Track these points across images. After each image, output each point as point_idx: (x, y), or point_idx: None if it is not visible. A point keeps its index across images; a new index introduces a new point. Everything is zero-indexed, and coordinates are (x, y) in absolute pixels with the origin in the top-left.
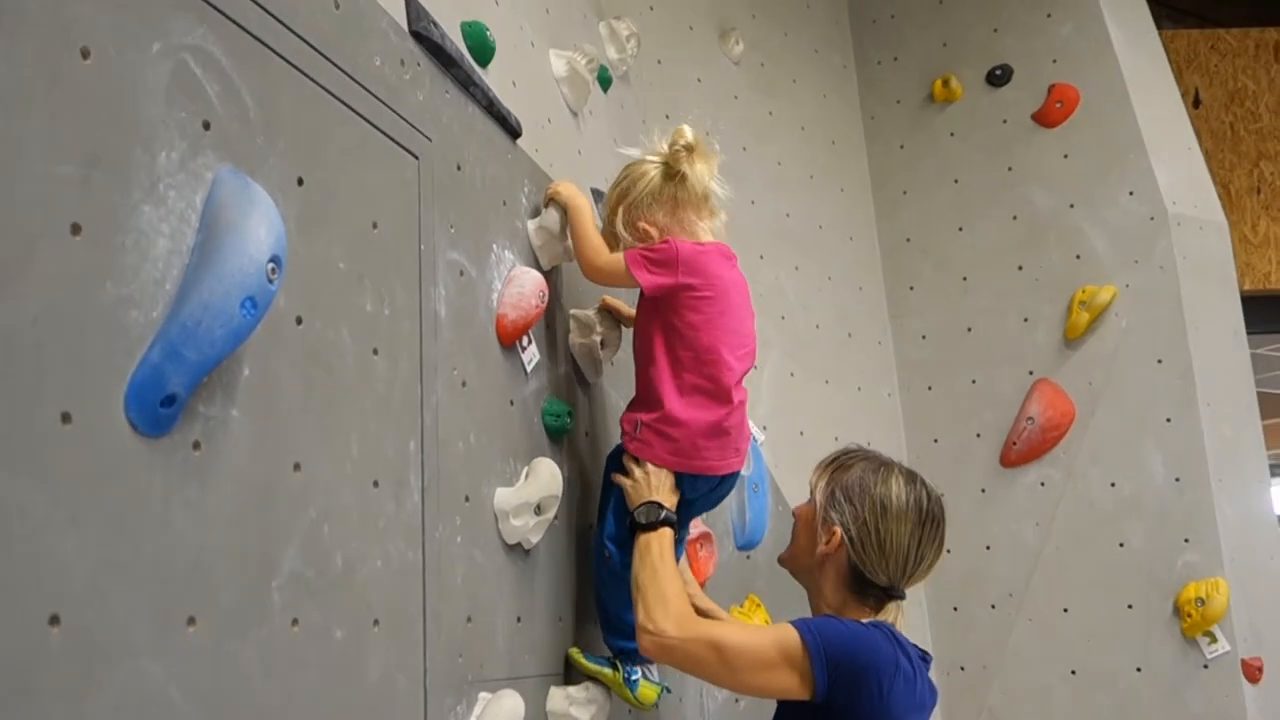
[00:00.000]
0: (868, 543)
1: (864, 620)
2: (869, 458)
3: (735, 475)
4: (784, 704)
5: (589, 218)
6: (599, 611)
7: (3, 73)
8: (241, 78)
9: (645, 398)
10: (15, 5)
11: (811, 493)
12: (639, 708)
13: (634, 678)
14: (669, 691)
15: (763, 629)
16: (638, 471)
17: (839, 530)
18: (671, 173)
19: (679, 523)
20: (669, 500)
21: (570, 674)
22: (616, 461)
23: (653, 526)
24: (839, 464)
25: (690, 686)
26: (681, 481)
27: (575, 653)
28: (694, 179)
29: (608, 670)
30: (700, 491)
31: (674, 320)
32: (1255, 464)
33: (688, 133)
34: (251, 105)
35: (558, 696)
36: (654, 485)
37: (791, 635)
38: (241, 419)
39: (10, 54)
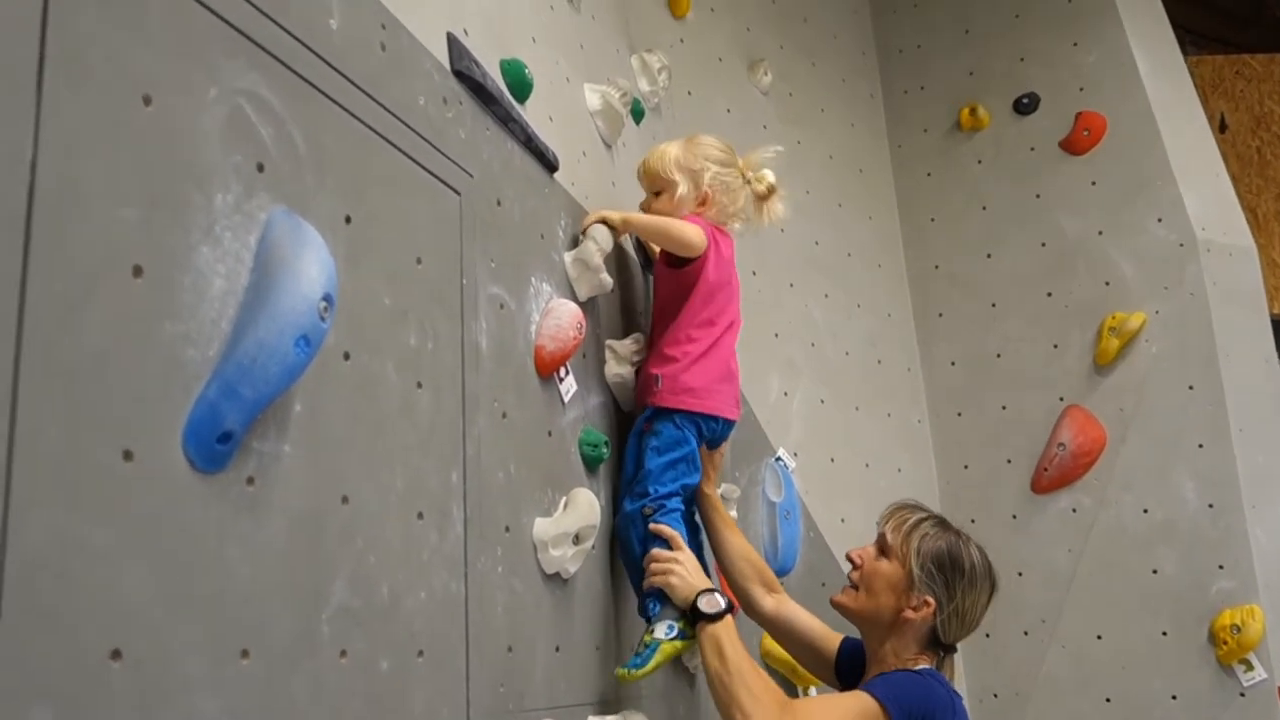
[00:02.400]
0: (955, 615)
1: (920, 668)
2: (943, 525)
3: (733, 425)
4: None
5: (645, 214)
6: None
7: (68, 120)
8: (293, 119)
9: (663, 353)
10: (80, 55)
11: (886, 549)
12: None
13: (673, 630)
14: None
15: (844, 704)
16: (675, 565)
17: (933, 602)
18: (752, 196)
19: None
20: (707, 582)
21: (607, 704)
22: (639, 433)
23: (720, 616)
24: (924, 532)
25: None
26: (701, 425)
27: (623, 672)
28: (769, 216)
29: (665, 645)
30: (717, 434)
31: (697, 284)
32: None
33: (771, 175)
34: (302, 146)
35: None
36: (692, 569)
37: (872, 706)
38: (293, 454)
39: (75, 102)
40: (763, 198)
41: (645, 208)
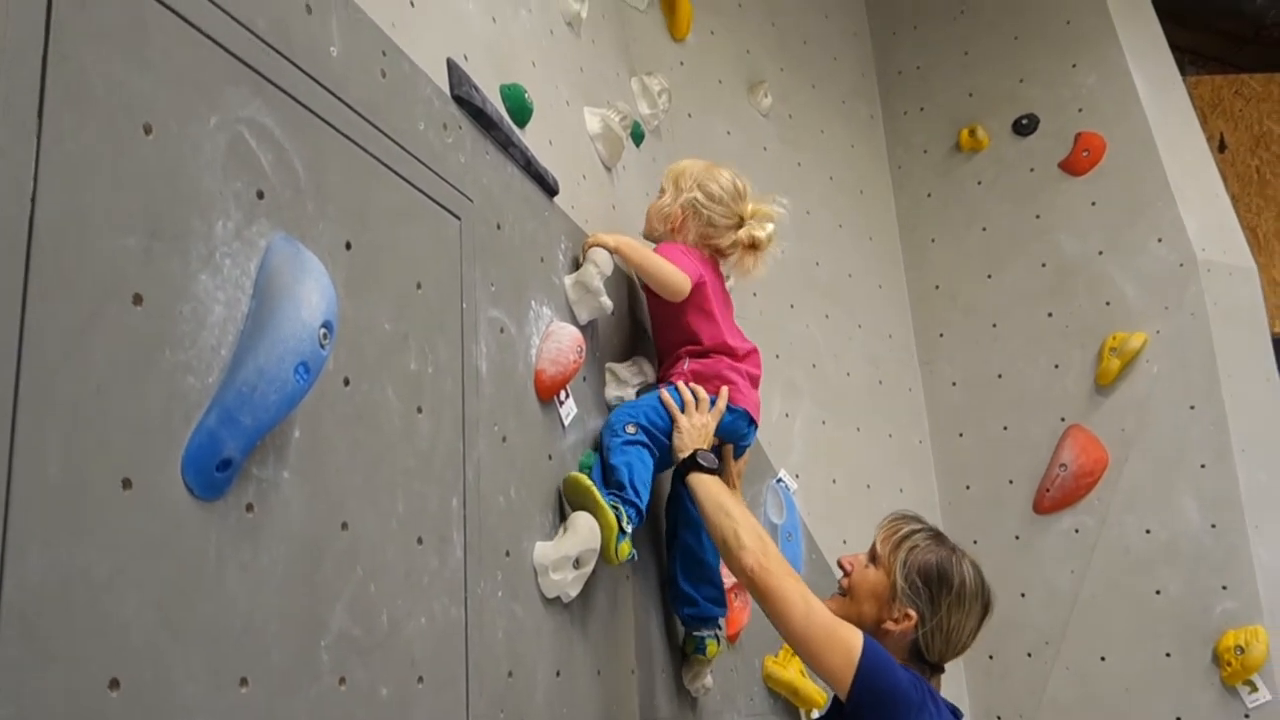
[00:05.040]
0: (938, 631)
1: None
2: (938, 539)
3: (754, 427)
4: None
5: (640, 246)
6: (604, 476)
7: (70, 148)
8: (293, 147)
9: (680, 355)
10: (82, 83)
11: (875, 558)
12: (610, 559)
13: (625, 530)
14: (635, 559)
15: (837, 624)
16: (699, 417)
17: (915, 615)
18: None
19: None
20: (704, 444)
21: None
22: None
23: (712, 471)
24: (915, 544)
25: None
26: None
27: (583, 480)
28: (758, 258)
29: (612, 514)
30: (736, 430)
31: (698, 300)
32: None
33: (769, 229)
34: (302, 173)
35: None
36: (694, 432)
37: (858, 638)
38: (292, 480)
39: (78, 130)
40: (748, 248)
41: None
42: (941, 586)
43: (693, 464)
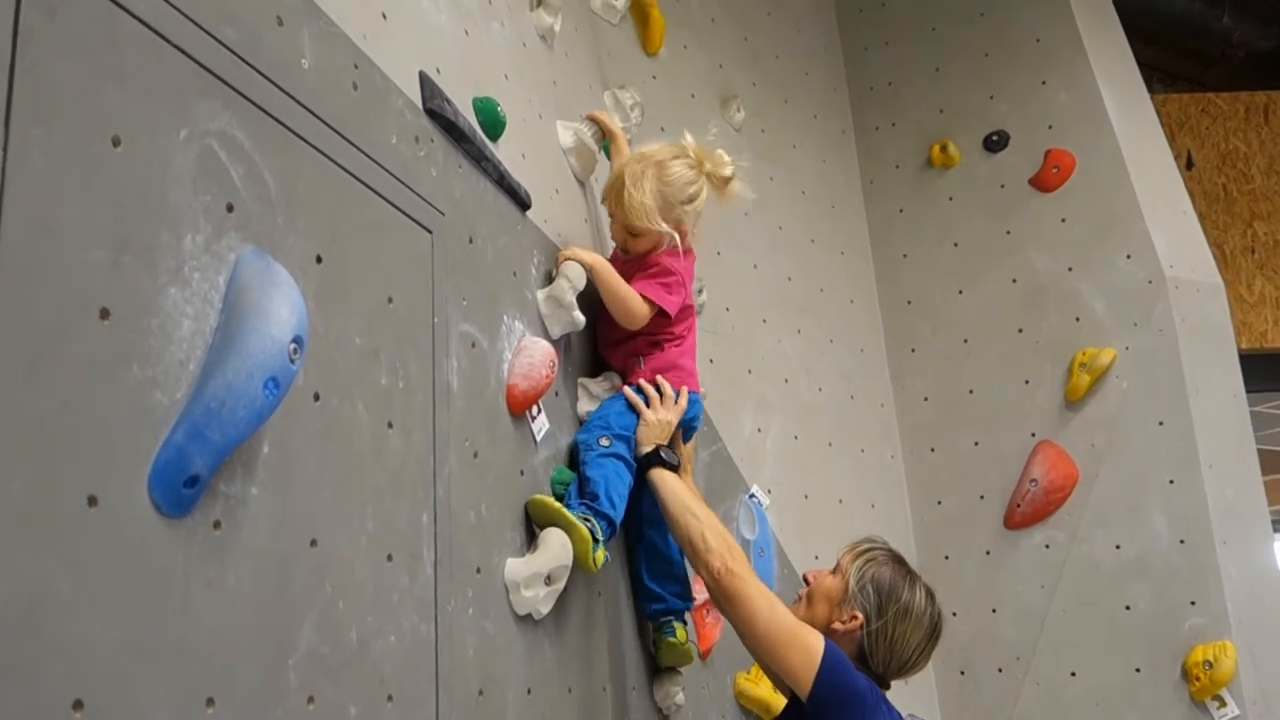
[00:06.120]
0: (882, 636)
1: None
2: (899, 561)
3: (700, 408)
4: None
5: (614, 272)
6: (580, 487)
7: (37, 162)
8: (264, 160)
9: (637, 348)
10: (50, 94)
11: (838, 570)
12: (587, 569)
13: (598, 540)
14: (609, 560)
15: (800, 628)
16: (663, 413)
17: (861, 617)
18: (716, 194)
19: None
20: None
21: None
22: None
23: (673, 469)
24: (873, 557)
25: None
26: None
27: (547, 500)
28: (730, 199)
29: (583, 528)
30: (692, 416)
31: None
32: (1259, 526)
33: (729, 163)
34: (273, 186)
35: None
36: (656, 429)
37: (819, 640)
38: (260, 497)
39: (45, 143)
40: (724, 185)
41: (621, 241)
42: (890, 596)
43: (655, 459)
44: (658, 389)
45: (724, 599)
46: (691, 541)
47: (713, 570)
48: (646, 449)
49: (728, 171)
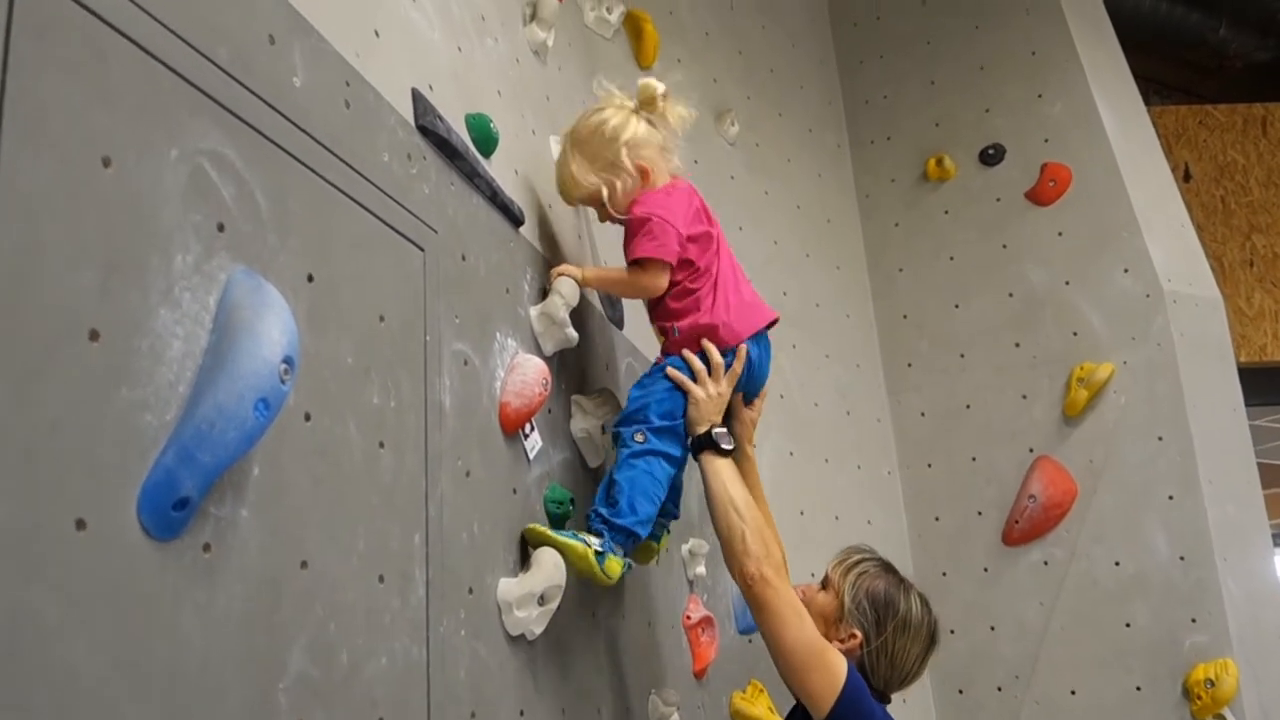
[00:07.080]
0: (883, 653)
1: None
2: (890, 570)
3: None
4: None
5: (602, 270)
6: (606, 491)
7: (27, 182)
8: (255, 178)
9: (669, 308)
10: (40, 114)
11: (828, 584)
12: (603, 583)
13: (602, 552)
14: (631, 568)
15: (826, 648)
16: (713, 386)
17: (860, 635)
18: (654, 120)
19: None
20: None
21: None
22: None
23: (728, 454)
24: (865, 570)
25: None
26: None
27: (537, 527)
28: (675, 122)
29: (577, 544)
30: (750, 372)
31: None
32: (1259, 541)
33: (658, 84)
34: (264, 205)
35: None
36: (719, 408)
37: (843, 664)
38: (250, 519)
39: (34, 164)
40: (656, 107)
41: (604, 219)
42: (888, 610)
43: (708, 442)
44: (705, 359)
45: (753, 605)
46: (730, 540)
47: (746, 573)
48: (700, 430)
49: (657, 92)
